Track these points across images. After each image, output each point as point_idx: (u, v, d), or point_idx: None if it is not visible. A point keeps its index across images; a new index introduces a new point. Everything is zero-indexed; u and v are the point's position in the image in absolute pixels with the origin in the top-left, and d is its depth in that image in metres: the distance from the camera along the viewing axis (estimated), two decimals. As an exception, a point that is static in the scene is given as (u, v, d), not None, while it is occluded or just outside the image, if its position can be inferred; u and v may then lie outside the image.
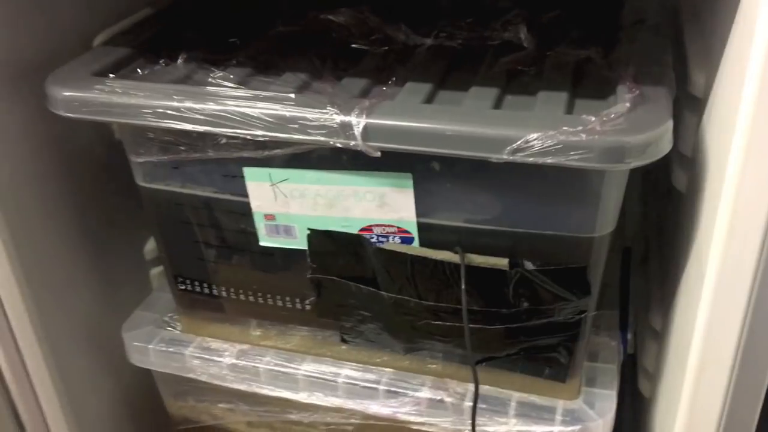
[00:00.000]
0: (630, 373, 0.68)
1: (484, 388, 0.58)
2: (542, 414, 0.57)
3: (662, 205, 0.67)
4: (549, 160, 0.44)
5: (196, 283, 0.63)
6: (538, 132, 0.44)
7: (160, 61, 0.58)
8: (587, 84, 0.53)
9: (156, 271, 0.76)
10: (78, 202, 0.65)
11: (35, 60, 0.58)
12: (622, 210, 0.53)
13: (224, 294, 0.63)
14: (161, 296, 0.70)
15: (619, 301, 0.66)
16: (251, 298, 0.62)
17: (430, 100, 0.52)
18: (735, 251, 0.42)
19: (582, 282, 0.51)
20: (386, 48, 0.60)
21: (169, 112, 0.50)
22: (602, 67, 0.54)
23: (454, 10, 0.67)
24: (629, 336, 0.66)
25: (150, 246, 0.75)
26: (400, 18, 0.64)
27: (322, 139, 0.48)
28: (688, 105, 0.53)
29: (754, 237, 0.41)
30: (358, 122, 0.47)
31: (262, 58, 0.59)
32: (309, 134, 0.48)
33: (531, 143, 0.44)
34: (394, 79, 0.54)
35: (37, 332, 0.61)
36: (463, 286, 0.50)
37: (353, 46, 0.61)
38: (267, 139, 0.50)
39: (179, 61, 0.58)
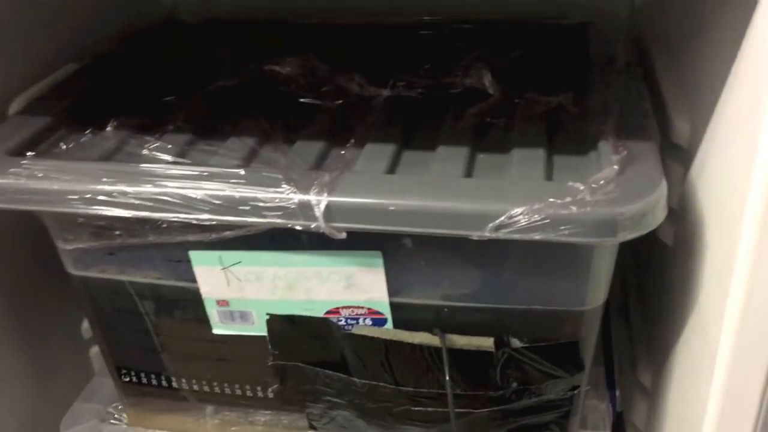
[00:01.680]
0: (618, 429, 0.64)
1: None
2: (534, 494, 0.52)
3: (641, 254, 0.64)
4: (536, 237, 0.39)
5: (142, 374, 0.56)
6: (522, 206, 0.39)
7: (86, 131, 0.52)
8: (563, 138, 0.49)
9: (96, 351, 0.68)
10: (3, 288, 0.57)
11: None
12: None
13: (175, 384, 0.56)
14: (103, 382, 0.63)
15: (603, 356, 0.62)
16: (206, 388, 0.56)
17: (394, 165, 0.47)
18: (754, 322, 0.38)
19: (574, 358, 0.47)
20: (339, 102, 0.55)
21: (99, 197, 0.44)
22: (576, 116, 0.50)
23: (409, 54, 0.62)
24: (617, 394, 0.62)
25: (87, 325, 0.67)
26: (350, 66, 0.59)
27: (278, 221, 0.42)
28: (672, 154, 0.50)
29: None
30: (318, 201, 0.41)
31: (201, 121, 0.53)
32: (263, 216, 0.42)
33: (516, 218, 0.39)
34: (352, 140, 0.49)
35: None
36: (446, 375, 0.45)
37: (302, 100, 0.56)
38: (214, 222, 0.44)
39: (108, 128, 0.52)
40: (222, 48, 0.67)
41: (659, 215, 0.40)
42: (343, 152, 0.48)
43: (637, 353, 0.60)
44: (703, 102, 0.45)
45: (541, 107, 0.52)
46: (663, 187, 0.40)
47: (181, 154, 0.49)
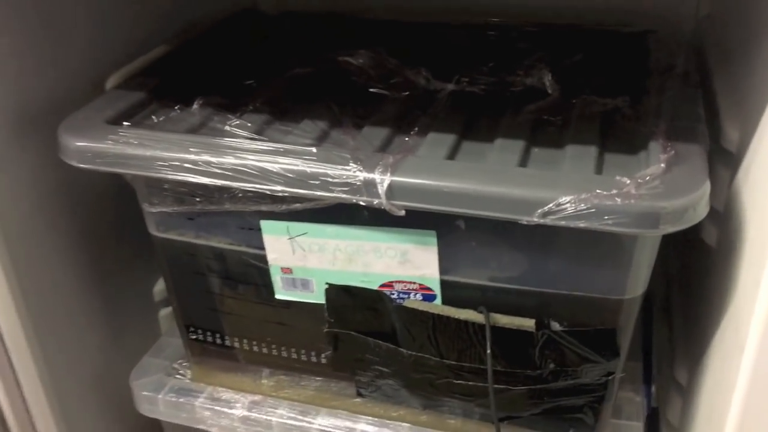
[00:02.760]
0: (653, 426, 0.66)
1: (505, 447, 0.56)
2: (566, 475, 0.55)
3: (686, 255, 0.66)
4: (581, 224, 0.42)
5: (208, 333, 0.61)
6: (570, 195, 0.42)
7: (175, 107, 0.57)
8: (616, 137, 0.51)
9: (165, 312, 0.74)
10: (86, 247, 0.63)
11: (45, 104, 0.57)
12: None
13: (237, 344, 0.61)
14: (170, 341, 0.68)
15: (642, 352, 0.64)
16: (265, 349, 0.60)
17: (454, 152, 0.50)
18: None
19: (611, 344, 0.49)
20: (406, 93, 0.59)
21: (185, 165, 0.49)
22: (631, 118, 0.53)
23: (475, 52, 0.66)
24: (653, 389, 0.64)
25: (159, 287, 0.73)
26: (418, 61, 0.62)
27: (344, 196, 0.46)
28: (721, 159, 0.52)
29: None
30: (381, 180, 0.45)
31: (278, 104, 0.58)
32: (330, 191, 0.46)
33: (563, 206, 0.42)
34: (416, 128, 0.53)
35: (43, 380, 0.59)
36: (488, 350, 0.49)
37: (372, 90, 0.60)
38: (286, 194, 0.48)
39: (194, 106, 0.57)
40: (298, 38, 0.71)
41: (700, 212, 0.42)
42: (406, 139, 0.52)
43: (676, 351, 0.62)
44: (754, 110, 0.47)
45: (597, 108, 0.55)
46: (706, 186, 0.43)
47: (259, 132, 0.53)
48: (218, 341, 0.61)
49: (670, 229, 0.42)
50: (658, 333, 0.67)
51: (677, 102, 0.53)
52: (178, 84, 0.60)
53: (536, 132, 0.53)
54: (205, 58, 0.66)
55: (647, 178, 0.43)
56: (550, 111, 0.55)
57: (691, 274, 0.63)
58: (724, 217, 0.51)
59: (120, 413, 0.67)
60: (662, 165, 0.44)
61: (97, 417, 0.67)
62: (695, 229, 0.57)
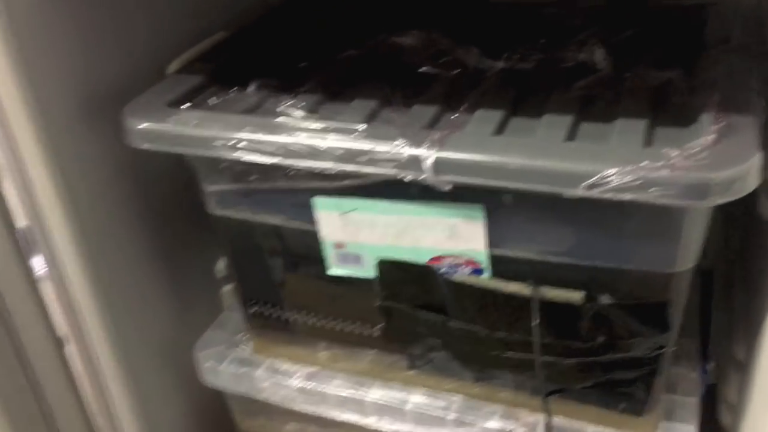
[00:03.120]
0: (710, 403, 0.65)
1: (557, 420, 0.56)
2: (618, 449, 0.55)
3: (747, 230, 0.64)
4: (627, 197, 0.42)
5: (267, 307, 0.64)
6: (615, 167, 0.42)
7: (232, 89, 0.59)
8: (668, 110, 0.50)
9: (227, 289, 0.77)
10: (153, 224, 0.66)
11: (112, 88, 0.60)
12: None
13: (294, 317, 0.63)
14: (232, 316, 0.71)
15: (699, 329, 0.63)
16: (320, 322, 0.62)
17: (501, 129, 0.51)
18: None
19: (662, 318, 0.49)
20: (456, 72, 0.59)
21: (240, 144, 0.51)
22: (684, 91, 0.52)
23: (527, 29, 0.65)
24: (710, 366, 0.63)
25: (221, 265, 0.76)
26: (470, 40, 0.63)
27: (391, 171, 0.47)
28: (778, 131, 0.51)
29: None
30: (428, 155, 0.46)
31: (331, 85, 0.59)
32: (379, 167, 0.48)
33: (608, 179, 0.42)
34: (464, 105, 0.53)
35: (114, 350, 0.63)
36: (535, 321, 0.49)
37: (422, 70, 0.61)
38: (337, 171, 0.49)
39: (250, 88, 0.59)
40: (350, 21, 0.73)
41: (750, 183, 0.42)
42: (454, 116, 0.53)
43: (735, 328, 0.61)
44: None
45: (649, 82, 0.54)
46: (757, 158, 0.42)
47: (312, 112, 0.55)
48: (276, 315, 0.64)
49: (719, 200, 0.41)
50: (718, 310, 0.66)
51: (732, 74, 0.52)
52: (235, 68, 0.63)
53: (585, 107, 0.52)
54: (261, 43, 0.68)
55: (696, 149, 0.43)
56: (600, 86, 0.55)
57: (752, 249, 0.61)
58: (782, 190, 0.50)
59: (185, 381, 0.71)
60: (712, 136, 0.43)
61: (164, 386, 0.70)
62: (753, 204, 0.57)
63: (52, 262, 0.58)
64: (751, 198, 0.56)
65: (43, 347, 0.59)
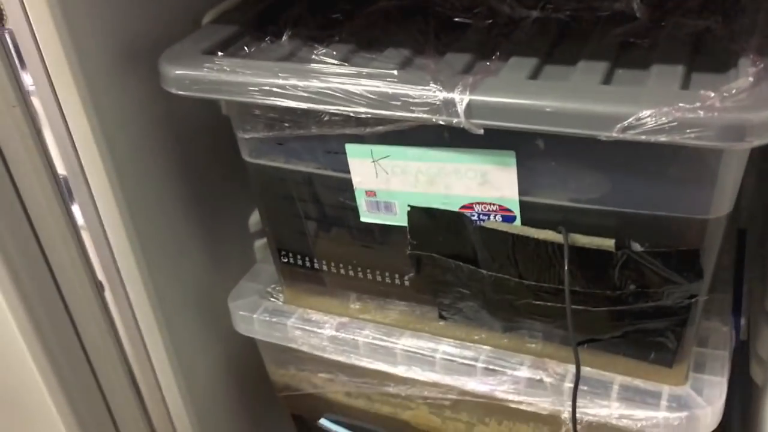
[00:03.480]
0: (742, 359, 0.65)
1: (586, 370, 0.56)
2: (646, 399, 0.55)
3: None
4: (662, 139, 0.42)
5: (298, 257, 0.65)
6: (651, 108, 0.42)
7: (266, 39, 0.60)
8: (705, 56, 0.50)
9: (260, 243, 0.78)
10: (189, 175, 0.68)
11: (149, 39, 0.60)
12: (739, 190, 0.50)
13: (325, 267, 0.64)
14: (264, 268, 0.73)
15: (732, 284, 0.63)
16: (351, 273, 0.63)
17: (535, 75, 0.50)
18: None
19: (694, 266, 0.49)
20: (490, 21, 0.59)
21: (274, 89, 0.51)
22: (722, 38, 0.51)
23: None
24: (742, 322, 0.62)
25: (254, 219, 0.77)
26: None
27: (424, 116, 0.48)
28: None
29: None
30: (461, 99, 0.46)
31: (364, 34, 0.59)
32: (411, 111, 0.48)
33: (643, 120, 0.42)
34: (498, 53, 0.53)
35: (150, 297, 0.64)
36: (566, 267, 0.49)
37: (456, 20, 0.60)
38: (369, 116, 0.50)
39: (284, 38, 0.59)
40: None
41: (789, 125, 0.41)
42: (488, 63, 0.52)
43: (767, 281, 0.60)
44: None
45: (687, 29, 0.53)
46: (797, 99, 0.41)
47: (345, 60, 0.55)
48: (308, 265, 0.64)
49: (756, 142, 0.41)
50: (751, 266, 0.65)
51: (772, 20, 0.51)
52: (268, 19, 0.63)
53: (621, 54, 0.52)
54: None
55: (733, 91, 0.42)
56: (637, 34, 0.54)
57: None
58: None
59: (219, 330, 0.72)
60: (750, 78, 0.43)
61: (199, 332, 0.72)
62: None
63: (91, 210, 0.59)
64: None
65: (83, 291, 0.61)
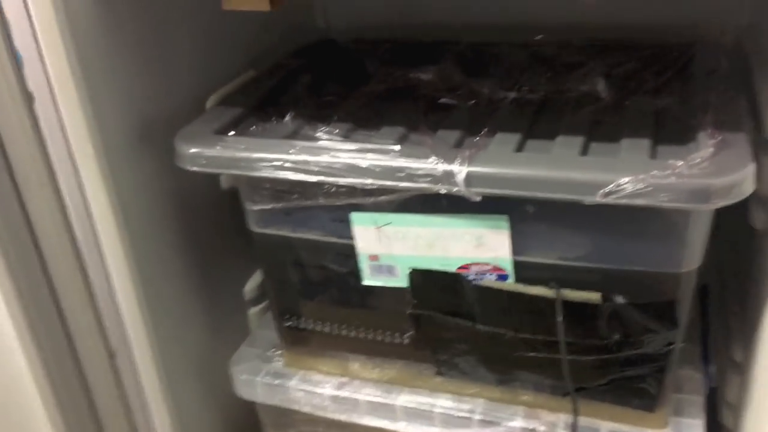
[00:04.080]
0: (712, 405, 0.70)
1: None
2: (632, 442, 0.60)
3: (738, 244, 0.70)
4: (640, 202, 0.48)
5: (301, 320, 0.68)
6: (629, 176, 0.48)
7: (270, 119, 0.65)
8: (667, 131, 0.57)
9: (254, 311, 0.81)
10: (193, 245, 0.71)
11: (159, 120, 0.65)
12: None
13: (327, 330, 0.68)
14: (262, 334, 0.76)
15: (700, 335, 0.69)
16: (352, 333, 0.67)
17: (520, 148, 0.57)
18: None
19: (670, 315, 0.54)
20: (473, 102, 0.66)
21: (286, 164, 0.56)
22: (680, 115, 0.59)
23: (534, 65, 0.72)
24: (712, 369, 0.68)
25: (249, 287, 0.80)
26: (481, 75, 0.69)
27: (427, 186, 0.53)
28: (764, 148, 0.57)
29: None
30: (460, 170, 0.52)
31: (360, 114, 0.65)
32: (415, 182, 0.53)
33: (623, 186, 0.48)
34: (484, 130, 0.59)
35: (156, 363, 0.67)
36: (560, 319, 0.54)
37: (442, 101, 0.67)
38: (374, 187, 0.55)
39: (287, 118, 0.65)
40: (370, 59, 0.79)
41: (746, 188, 0.48)
42: (477, 139, 0.59)
43: (732, 332, 0.66)
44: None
45: (649, 108, 0.61)
46: (750, 167, 0.48)
47: (346, 137, 0.60)
48: (310, 327, 0.68)
49: (720, 203, 0.47)
50: (715, 317, 0.72)
51: (722, 99, 0.59)
52: (269, 102, 0.69)
53: (593, 130, 0.58)
54: (290, 79, 0.74)
55: (698, 160, 0.49)
56: (605, 112, 0.61)
57: (744, 260, 0.67)
58: (770, 201, 0.57)
59: (219, 398, 0.74)
60: (711, 149, 0.50)
61: (200, 400, 0.74)
62: (744, 217, 0.63)
63: (102, 278, 0.62)
64: (742, 211, 0.63)
65: (98, 358, 0.63)
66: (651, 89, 0.63)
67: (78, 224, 0.60)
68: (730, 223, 0.75)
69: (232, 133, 0.62)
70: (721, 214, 0.79)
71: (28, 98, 0.55)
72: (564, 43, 0.77)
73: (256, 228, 0.64)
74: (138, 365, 0.66)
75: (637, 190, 0.48)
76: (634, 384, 0.59)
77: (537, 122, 0.61)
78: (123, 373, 0.66)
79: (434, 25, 0.86)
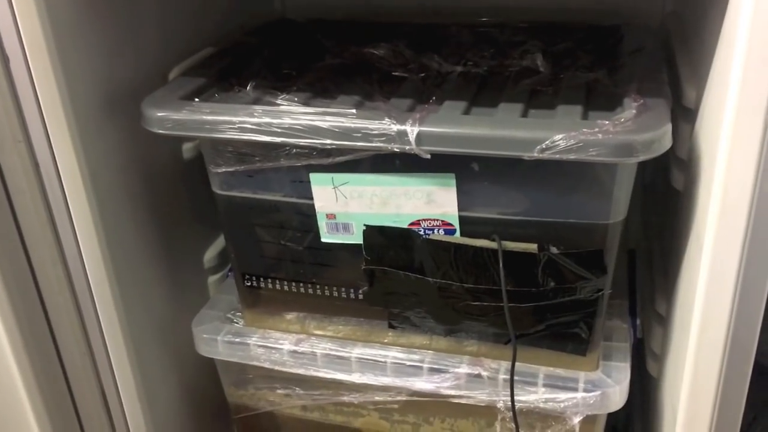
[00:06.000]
0: (639, 355, 0.77)
1: (515, 363, 0.66)
2: (567, 383, 0.65)
3: (662, 207, 0.77)
4: (572, 157, 0.54)
5: (261, 280, 0.72)
6: (562, 133, 0.54)
7: (233, 89, 0.68)
8: (597, 99, 0.63)
9: (213, 279, 0.85)
10: (156, 214, 0.74)
11: (125, 88, 0.68)
12: (627, 218, 0.62)
13: (285, 288, 0.72)
14: (222, 298, 0.79)
15: (628, 292, 0.75)
16: (309, 291, 0.71)
17: (467, 113, 0.62)
18: (724, 238, 0.52)
19: (600, 263, 0.60)
20: (423, 75, 0.71)
21: (250, 126, 0.60)
22: (609, 86, 0.65)
23: (478, 44, 0.78)
24: (638, 322, 0.75)
25: (209, 255, 0.84)
26: (430, 51, 0.74)
27: (381, 145, 0.58)
28: (683, 115, 0.64)
29: (740, 224, 0.51)
30: (412, 130, 0.57)
31: (317, 85, 0.69)
32: (371, 141, 0.58)
33: (557, 143, 0.54)
34: (433, 98, 0.64)
35: (122, 322, 0.69)
36: (501, 266, 0.60)
37: (394, 74, 0.72)
38: (332, 147, 0.59)
39: (249, 87, 0.68)
40: (325, 37, 0.83)
41: (665, 144, 0.54)
42: (427, 106, 0.64)
43: (656, 287, 0.73)
44: (704, 76, 0.59)
45: (581, 80, 0.67)
46: (668, 126, 0.54)
47: (305, 104, 0.64)
48: (269, 286, 0.72)
49: (642, 157, 0.53)
50: (641, 274, 0.78)
51: (646, 72, 0.65)
52: (231, 74, 0.72)
53: (532, 98, 0.64)
54: (249, 55, 0.78)
55: (622, 119, 0.55)
56: (542, 83, 0.67)
57: (666, 219, 0.74)
58: (688, 163, 0.63)
59: (180, 355, 0.78)
60: (634, 111, 0.56)
61: (162, 357, 0.77)
62: (666, 180, 0.70)
63: (71, 239, 0.65)
64: (665, 175, 0.69)
65: (68, 317, 0.66)
66: (584, 65, 0.70)
67: (49, 187, 0.62)
68: (656, 189, 0.82)
69: (197, 100, 0.65)
70: (647, 183, 0.87)
71: (5, 60, 0.57)
72: (506, 24, 0.83)
73: (219, 190, 0.68)
74: (104, 325, 0.69)
75: (569, 145, 0.53)
76: (569, 329, 0.64)
77: (481, 92, 0.66)
78: (90, 333, 0.69)
79: (386, 8, 0.91)
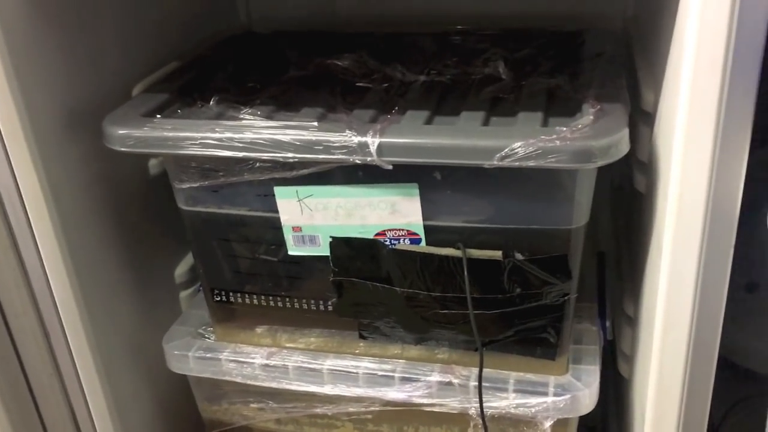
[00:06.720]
0: (610, 357, 0.77)
1: (486, 370, 0.66)
2: (537, 388, 0.66)
3: (629, 210, 0.78)
4: (531, 164, 0.54)
5: (230, 294, 0.72)
6: (521, 141, 0.54)
7: (196, 104, 0.68)
8: (557, 105, 0.63)
9: (185, 294, 0.84)
10: (123, 230, 0.74)
11: (87, 106, 0.68)
12: (596, 222, 0.63)
13: (255, 302, 0.71)
14: (193, 313, 0.79)
15: (597, 295, 0.76)
16: (279, 304, 0.71)
17: (429, 122, 0.62)
18: (682, 239, 0.53)
19: (564, 268, 0.61)
20: (386, 85, 0.71)
21: (212, 142, 0.60)
22: (569, 92, 0.65)
23: (441, 52, 0.78)
24: (608, 323, 0.75)
25: (180, 271, 0.83)
26: (393, 60, 0.75)
27: (343, 157, 0.58)
28: (642, 119, 0.64)
29: (697, 225, 0.52)
30: (373, 141, 0.57)
31: (281, 98, 0.69)
32: (332, 154, 0.58)
33: (516, 150, 0.54)
34: (396, 108, 0.65)
35: (90, 342, 0.69)
36: (466, 275, 0.60)
37: (358, 84, 0.72)
38: (295, 160, 0.59)
39: (211, 102, 0.68)
40: (290, 49, 0.84)
41: (622, 149, 0.54)
42: (389, 116, 0.64)
43: (625, 289, 0.74)
44: (660, 77, 0.60)
45: (542, 86, 0.67)
46: (625, 131, 0.55)
47: (268, 118, 0.64)
48: (239, 301, 0.72)
49: (601, 162, 0.54)
50: (610, 276, 0.79)
51: (605, 77, 0.66)
52: (193, 89, 0.72)
53: (494, 106, 0.65)
54: (213, 69, 0.78)
55: (580, 126, 0.55)
56: (504, 91, 0.67)
57: (632, 222, 0.75)
58: (648, 166, 0.64)
59: (152, 372, 0.77)
60: (591, 117, 0.56)
61: (133, 375, 0.76)
62: (631, 183, 0.70)
63: (35, 259, 0.65)
64: (630, 180, 0.70)
65: (33, 338, 0.65)
66: (545, 71, 0.70)
67: (10, 207, 0.62)
68: (623, 192, 0.83)
69: (159, 116, 0.65)
70: (616, 186, 0.88)
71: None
72: (470, 32, 0.84)
73: (185, 206, 0.68)
74: (72, 345, 0.68)
75: (528, 153, 0.54)
76: (537, 334, 0.65)
77: (444, 101, 0.67)
78: (58, 354, 0.68)
79: (350, 18, 0.91)
